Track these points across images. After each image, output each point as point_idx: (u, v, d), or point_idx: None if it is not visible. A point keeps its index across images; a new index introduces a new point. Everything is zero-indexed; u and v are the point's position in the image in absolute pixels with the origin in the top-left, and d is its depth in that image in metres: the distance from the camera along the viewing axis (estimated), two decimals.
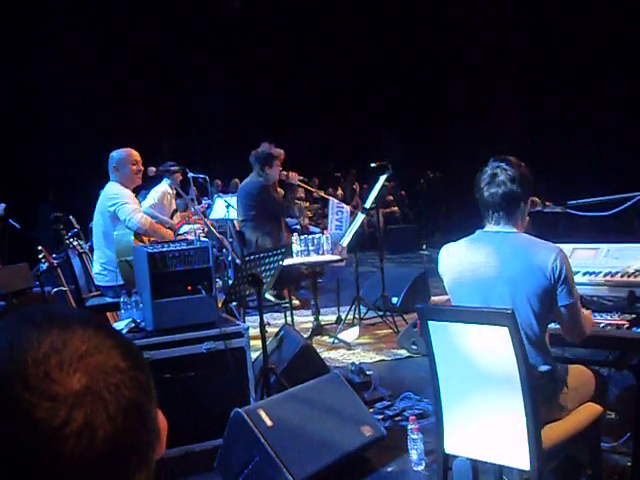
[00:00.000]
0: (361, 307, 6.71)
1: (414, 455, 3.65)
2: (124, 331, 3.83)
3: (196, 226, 6.41)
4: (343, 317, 6.65)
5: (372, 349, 6.01)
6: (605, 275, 3.25)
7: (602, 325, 3.00)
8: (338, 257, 6.11)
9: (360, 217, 6.37)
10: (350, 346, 6.08)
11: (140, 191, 6.63)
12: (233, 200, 6.97)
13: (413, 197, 14.62)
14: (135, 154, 5.11)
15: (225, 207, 7.13)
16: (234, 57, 14.73)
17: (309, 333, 6.17)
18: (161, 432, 0.77)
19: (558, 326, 2.92)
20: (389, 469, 3.70)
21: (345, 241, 6.20)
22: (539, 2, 13.55)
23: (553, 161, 11.86)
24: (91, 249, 5.51)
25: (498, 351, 2.59)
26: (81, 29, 12.76)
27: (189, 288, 3.82)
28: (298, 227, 9.34)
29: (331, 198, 6.97)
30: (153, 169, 5.25)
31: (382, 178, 6.57)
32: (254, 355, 4.28)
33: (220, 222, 7.69)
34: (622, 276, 3.20)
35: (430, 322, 2.77)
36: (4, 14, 11.64)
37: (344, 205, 6.69)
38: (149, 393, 0.75)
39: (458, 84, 14.79)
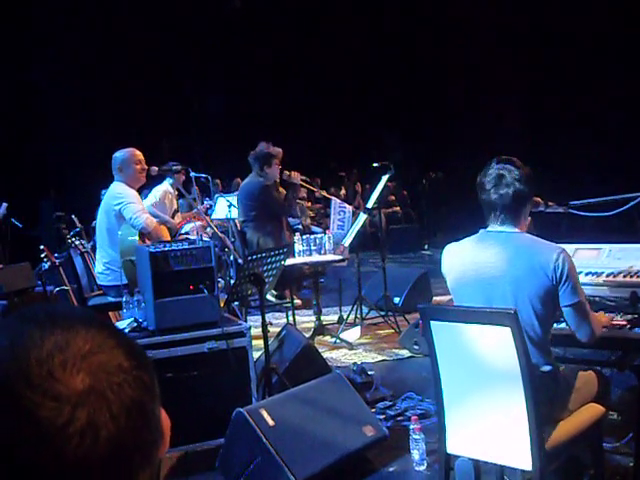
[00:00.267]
0: (363, 307, 6.71)
1: (416, 455, 3.66)
2: (126, 330, 3.83)
3: (198, 223, 6.41)
4: (345, 317, 6.65)
5: (374, 349, 6.01)
6: (607, 275, 3.25)
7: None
8: (340, 257, 6.11)
9: (362, 217, 6.37)
10: (352, 346, 6.08)
11: (142, 191, 6.63)
12: (235, 199, 6.97)
13: (415, 197, 14.62)
14: (138, 154, 5.12)
15: (227, 207, 7.13)
16: (234, 57, 14.73)
17: (311, 333, 6.17)
18: (165, 431, 0.77)
19: (559, 326, 2.93)
20: (391, 469, 3.70)
21: (347, 241, 6.20)
22: (539, 2, 13.56)
23: (553, 161, 11.87)
24: (93, 248, 5.52)
25: (500, 351, 2.59)
26: (81, 29, 12.76)
27: (191, 288, 3.81)
28: (300, 227, 9.35)
29: (333, 198, 6.97)
30: (155, 168, 5.25)
31: (384, 178, 6.57)
32: (256, 355, 4.28)
33: (222, 222, 7.70)
34: (624, 276, 3.21)
35: (432, 322, 2.78)
36: (4, 14, 11.64)
37: (346, 205, 6.69)
38: (153, 392, 0.75)
39: (458, 84, 14.80)
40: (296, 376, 4.20)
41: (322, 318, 6.44)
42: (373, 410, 4.28)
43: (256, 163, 6.47)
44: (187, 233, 6.58)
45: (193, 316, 3.82)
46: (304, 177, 6.46)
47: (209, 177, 6.68)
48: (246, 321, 4.71)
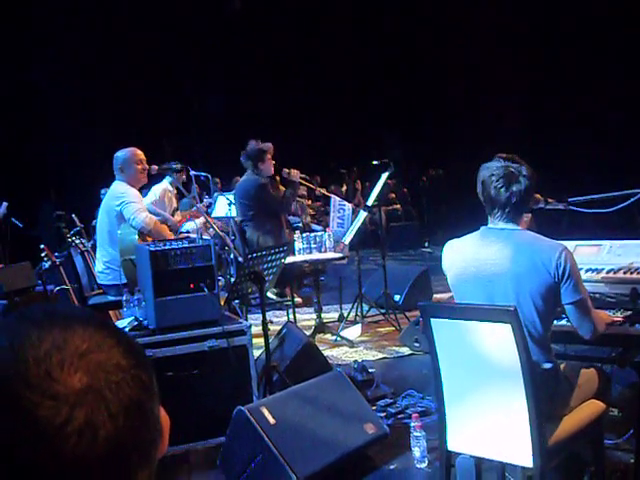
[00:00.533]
0: (363, 305, 6.72)
1: (417, 452, 3.66)
2: (127, 329, 3.83)
3: (199, 221, 6.41)
4: (345, 315, 6.65)
5: (374, 347, 6.01)
6: (608, 272, 3.25)
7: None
8: (340, 255, 6.12)
9: (362, 215, 6.37)
10: (352, 344, 6.08)
11: (141, 190, 6.64)
12: (234, 198, 6.97)
13: (415, 194, 14.62)
14: (139, 153, 5.12)
15: (227, 205, 7.13)
16: (234, 57, 14.73)
17: (311, 331, 6.18)
18: (163, 430, 0.77)
19: (560, 323, 2.93)
20: (392, 466, 3.70)
21: (347, 239, 6.21)
22: (539, 2, 13.56)
23: (553, 161, 11.86)
24: (93, 247, 5.52)
25: (501, 348, 2.59)
26: (81, 29, 12.76)
27: (191, 286, 3.81)
28: (300, 225, 9.36)
29: (333, 196, 6.97)
30: (155, 167, 5.26)
31: (384, 176, 6.57)
32: (257, 353, 4.28)
33: (222, 220, 7.70)
34: (625, 273, 3.20)
35: (432, 319, 2.78)
36: (4, 14, 11.64)
37: (346, 203, 6.69)
38: (151, 391, 0.74)
39: (458, 84, 14.80)
40: (297, 374, 4.20)
41: (323, 316, 6.44)
42: (374, 408, 4.28)
43: (249, 161, 6.48)
44: (188, 232, 6.57)
45: (193, 315, 3.82)
46: (303, 175, 6.47)
47: (209, 176, 6.68)
48: (247, 319, 4.72)
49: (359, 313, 6.69)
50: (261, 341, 4.13)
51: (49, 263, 5.11)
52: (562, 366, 2.86)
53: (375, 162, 6.80)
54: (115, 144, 5.31)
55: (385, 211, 11.63)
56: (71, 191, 10.69)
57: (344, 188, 14.09)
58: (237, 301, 4.43)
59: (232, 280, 5.59)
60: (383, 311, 6.67)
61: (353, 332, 6.39)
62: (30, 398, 0.66)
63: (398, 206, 14.09)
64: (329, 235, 6.10)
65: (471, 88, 14.57)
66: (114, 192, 5.04)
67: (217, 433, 3.66)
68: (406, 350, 5.79)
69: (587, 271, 3.29)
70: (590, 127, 12.39)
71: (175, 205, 6.90)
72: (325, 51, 15.29)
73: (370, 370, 4.91)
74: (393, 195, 14.01)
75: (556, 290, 2.64)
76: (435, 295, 6.93)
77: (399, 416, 4.32)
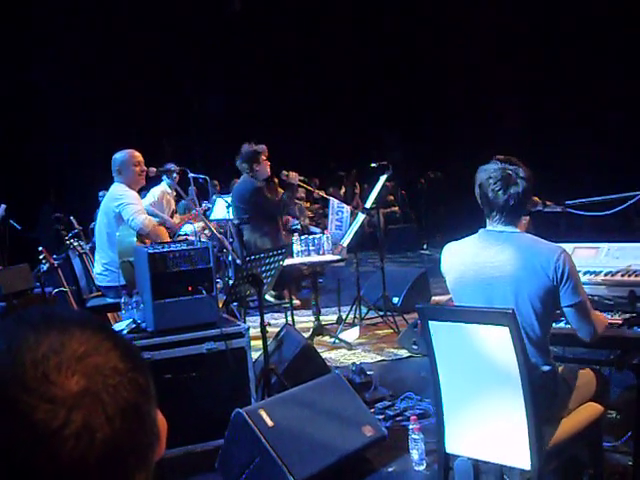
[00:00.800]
0: (362, 307, 6.72)
1: (415, 455, 3.66)
2: (125, 332, 3.83)
3: (197, 225, 6.41)
4: (344, 317, 6.65)
5: (373, 349, 6.01)
6: (606, 274, 3.25)
7: None
8: (338, 257, 6.12)
9: (360, 217, 6.37)
10: (351, 346, 6.08)
11: (140, 191, 6.64)
12: None
13: (414, 197, 14.62)
14: (137, 155, 5.12)
15: (225, 207, 7.12)
16: (234, 57, 14.73)
17: (310, 333, 6.17)
18: (161, 433, 0.77)
19: (558, 325, 2.93)
20: (390, 469, 3.70)
21: (345, 241, 6.20)
22: (539, 2, 13.55)
23: (553, 161, 11.86)
24: (92, 250, 5.52)
25: (499, 351, 2.59)
26: (81, 29, 12.76)
27: (190, 288, 3.81)
28: (298, 227, 9.35)
29: (331, 198, 6.97)
30: (154, 169, 5.26)
31: (382, 178, 6.57)
32: (255, 355, 4.28)
33: (220, 222, 7.69)
34: (623, 275, 3.20)
35: (431, 322, 2.78)
36: (4, 14, 11.64)
37: (344, 205, 6.69)
38: (148, 394, 0.74)
39: (458, 84, 14.79)
40: (295, 376, 4.20)
41: (321, 318, 6.44)
42: (372, 410, 4.28)
43: (245, 163, 6.48)
44: (186, 234, 6.57)
45: (192, 317, 3.82)
46: (302, 177, 6.46)
47: (207, 178, 6.68)
48: (245, 322, 4.72)
49: (357, 315, 6.68)
50: (259, 343, 4.13)
51: (47, 265, 5.11)
52: (560, 369, 2.86)
53: (374, 164, 6.80)
54: (115, 144, 5.31)
55: (383, 213, 11.61)
56: (70, 193, 10.71)
57: (342, 190, 14.09)
58: (235, 303, 4.43)
59: (230, 283, 5.58)
60: (381, 313, 6.66)
61: (351, 334, 6.39)
62: (27, 401, 0.66)
63: (396, 208, 14.07)
64: (327, 237, 6.10)
65: (471, 88, 14.56)
66: (113, 194, 5.04)
67: (215, 436, 3.66)
68: (404, 352, 5.79)
69: (585, 274, 3.28)
70: (590, 127, 12.39)
71: (173, 207, 6.91)
72: (325, 51, 15.28)
73: (368, 372, 4.90)
74: (391, 197, 14.00)
75: (555, 293, 2.64)
76: (433, 297, 6.93)
77: (397, 419, 4.32)
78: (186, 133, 14.52)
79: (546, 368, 2.74)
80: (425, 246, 12.89)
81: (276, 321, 6.97)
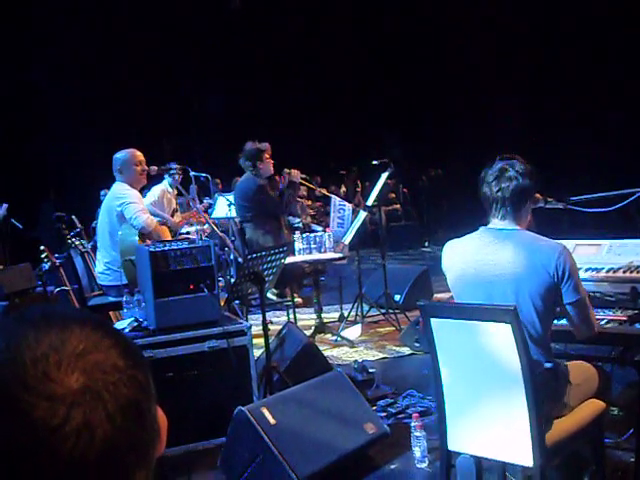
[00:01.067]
0: (364, 305, 6.72)
1: (417, 452, 3.66)
2: (126, 330, 3.83)
3: (199, 226, 6.41)
4: (346, 315, 6.65)
5: (375, 347, 6.02)
6: (607, 271, 3.25)
7: (604, 321, 3.01)
8: (340, 255, 6.12)
9: (362, 215, 6.37)
10: (353, 344, 6.09)
11: (141, 191, 6.65)
12: (234, 198, 6.97)
13: (415, 194, 14.63)
14: (138, 154, 5.12)
15: (227, 206, 7.13)
16: (234, 57, 14.74)
17: (312, 331, 6.18)
18: (161, 430, 0.77)
19: (560, 322, 2.93)
20: (392, 466, 3.70)
21: (347, 239, 6.21)
22: (539, 2, 13.56)
23: (553, 161, 11.87)
24: (93, 248, 5.52)
25: (501, 348, 2.59)
26: (81, 29, 12.76)
27: (191, 287, 3.81)
28: (300, 225, 9.35)
29: (333, 196, 6.98)
30: (155, 168, 5.26)
31: (384, 176, 6.58)
32: (257, 353, 4.28)
33: (222, 220, 7.69)
34: (625, 272, 3.20)
35: (432, 319, 2.77)
36: (4, 14, 11.64)
37: (346, 203, 6.69)
38: (148, 392, 0.74)
39: (458, 84, 14.80)
40: (297, 374, 4.20)
41: (323, 316, 6.45)
42: (374, 408, 4.28)
43: (248, 162, 6.48)
44: (188, 233, 6.57)
45: (193, 315, 3.82)
46: (304, 175, 6.47)
47: (209, 176, 6.68)
48: (247, 320, 4.71)
49: (359, 313, 6.69)
50: (261, 341, 4.13)
51: (49, 264, 5.10)
52: (562, 365, 2.86)
53: (375, 162, 6.81)
54: (115, 144, 5.30)
55: (385, 211, 11.63)
56: (71, 192, 10.70)
57: (343, 189, 14.10)
58: (237, 301, 4.43)
59: (232, 281, 5.58)
60: (383, 311, 6.67)
61: (353, 332, 6.40)
62: (27, 399, 0.66)
63: (398, 206, 14.09)
64: (329, 235, 6.10)
65: (471, 88, 14.57)
66: (115, 193, 5.04)
67: (217, 433, 3.66)
68: (406, 350, 5.79)
69: (587, 270, 3.29)
70: (590, 127, 12.40)
71: (175, 206, 6.91)
72: (325, 51, 15.29)
73: (370, 370, 4.91)
74: (393, 195, 14.02)
75: (556, 290, 2.64)
76: (435, 295, 6.93)
77: (399, 416, 4.32)
78: (186, 133, 14.53)
79: (548, 365, 2.74)
80: (427, 243, 12.91)
81: (278, 319, 6.97)
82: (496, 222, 2.78)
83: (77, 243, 5.38)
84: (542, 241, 2.71)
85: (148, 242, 4.73)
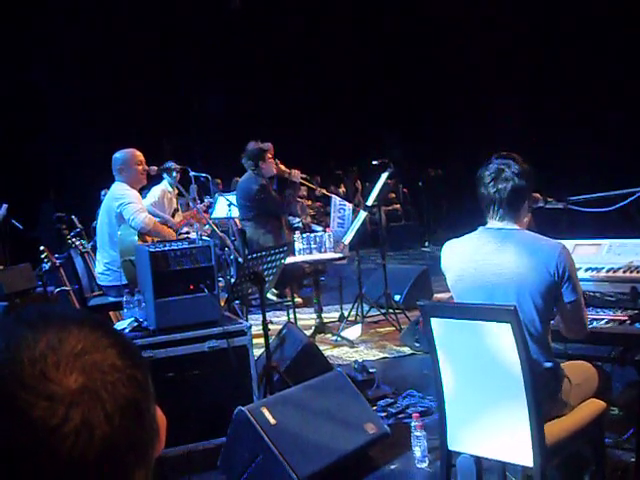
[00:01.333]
0: (364, 305, 6.72)
1: (417, 452, 3.66)
2: (127, 330, 3.83)
3: (200, 227, 6.41)
4: (346, 315, 6.66)
5: (375, 347, 6.02)
6: (607, 271, 3.25)
7: (604, 321, 3.01)
8: (340, 255, 6.12)
9: (362, 215, 6.37)
10: (353, 344, 6.09)
11: (141, 191, 6.65)
12: (234, 199, 6.98)
13: (415, 194, 14.64)
14: (139, 154, 5.12)
15: (227, 206, 7.13)
16: (234, 57, 14.73)
17: (312, 331, 6.19)
18: (160, 430, 0.77)
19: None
20: (393, 466, 3.70)
21: (347, 239, 6.21)
22: (539, 2, 13.56)
23: (553, 161, 11.86)
24: (93, 248, 5.52)
25: (501, 348, 2.59)
26: (81, 29, 12.76)
27: (191, 287, 3.81)
28: (300, 225, 9.35)
29: (333, 196, 6.98)
30: (155, 168, 5.26)
31: (384, 176, 6.58)
32: (257, 353, 4.28)
33: (222, 221, 7.69)
34: (625, 272, 3.20)
35: (433, 319, 2.77)
36: (4, 14, 11.64)
37: (346, 203, 6.69)
38: (147, 391, 0.74)
39: (458, 84, 14.79)
40: (297, 374, 4.20)
41: (323, 316, 6.45)
42: (374, 408, 4.28)
43: (250, 161, 6.49)
44: (188, 233, 6.57)
45: (194, 315, 3.82)
46: (304, 175, 6.47)
47: (209, 176, 6.68)
48: (247, 320, 4.72)
49: (359, 313, 6.69)
50: (261, 341, 4.13)
51: (49, 264, 5.10)
52: (562, 365, 2.86)
53: (375, 162, 6.81)
54: (115, 144, 5.30)
55: (385, 211, 11.64)
56: (71, 192, 10.70)
57: (342, 189, 14.10)
58: (237, 302, 4.43)
59: (232, 281, 5.58)
60: (383, 311, 6.67)
61: (353, 332, 6.40)
62: (25, 399, 0.66)
63: (398, 206, 14.10)
64: (329, 235, 6.11)
65: (471, 88, 14.57)
66: (114, 193, 5.04)
67: (218, 433, 3.66)
68: (407, 350, 5.79)
69: (587, 270, 3.29)
70: (590, 127, 12.39)
71: (175, 206, 6.91)
72: (325, 51, 15.29)
73: (371, 370, 4.91)
74: (393, 195, 14.02)
75: (556, 290, 2.65)
76: (435, 295, 6.93)
77: (400, 416, 4.33)
78: (186, 133, 14.52)
79: (548, 365, 2.74)
80: (427, 243, 12.91)
81: (278, 319, 6.97)
82: (495, 222, 2.78)
83: (77, 243, 5.38)
84: (542, 240, 2.71)
85: (149, 240, 4.74)
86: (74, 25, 12.64)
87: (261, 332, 4.09)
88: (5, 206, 7.39)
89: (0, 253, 7.61)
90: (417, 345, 5.67)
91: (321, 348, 5.11)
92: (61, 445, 0.66)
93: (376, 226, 9.63)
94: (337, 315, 6.86)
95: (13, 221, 7.53)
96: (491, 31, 13.96)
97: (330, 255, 6.08)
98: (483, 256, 2.75)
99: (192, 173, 5.91)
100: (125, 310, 4.13)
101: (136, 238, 4.82)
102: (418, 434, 3.66)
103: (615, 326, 2.94)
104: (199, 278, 3.81)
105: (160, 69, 14.00)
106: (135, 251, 4.38)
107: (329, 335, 6.32)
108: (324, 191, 7.56)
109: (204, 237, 5.61)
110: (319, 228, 8.85)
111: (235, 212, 7.03)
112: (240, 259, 5.04)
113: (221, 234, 5.43)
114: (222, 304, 4.20)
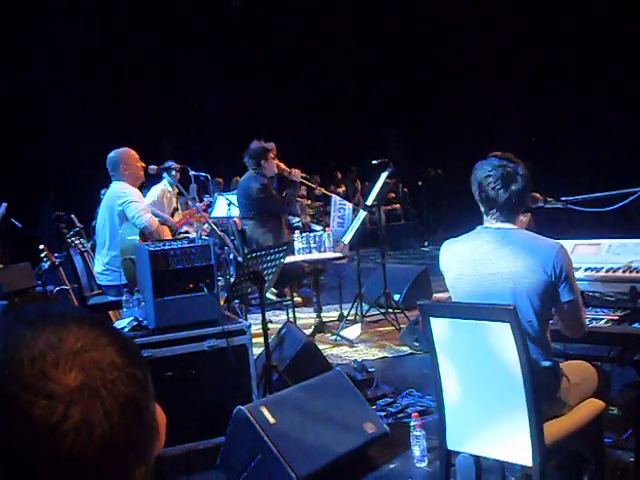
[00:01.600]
0: (363, 304, 6.72)
1: (417, 452, 3.66)
2: (126, 329, 3.83)
3: (199, 226, 6.41)
4: (345, 314, 6.66)
5: (374, 346, 6.02)
6: (607, 271, 3.25)
7: (604, 321, 3.01)
8: (340, 254, 6.12)
9: (362, 214, 6.38)
10: (352, 343, 6.09)
11: (140, 190, 6.65)
12: (234, 198, 6.98)
13: (415, 194, 14.64)
14: (134, 153, 5.13)
15: (226, 205, 7.13)
16: (234, 57, 14.73)
17: (311, 330, 6.18)
18: (160, 428, 0.77)
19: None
20: (392, 466, 3.70)
21: (347, 238, 6.21)
22: (539, 2, 13.56)
23: (553, 161, 11.87)
24: (93, 248, 5.52)
25: (500, 347, 2.59)
26: (81, 29, 12.76)
27: (191, 286, 3.81)
28: (300, 225, 9.35)
29: (333, 195, 6.98)
30: (154, 167, 5.25)
31: (383, 175, 6.58)
32: (256, 352, 4.28)
33: (222, 220, 7.69)
34: (624, 272, 3.20)
35: (432, 319, 2.78)
36: (4, 14, 11.63)
37: (346, 202, 6.70)
38: (146, 389, 0.74)
39: (458, 84, 14.79)
40: (297, 373, 4.21)
41: (322, 315, 6.45)
42: (374, 407, 4.29)
43: (252, 160, 6.49)
44: (187, 232, 6.57)
45: (193, 314, 3.82)
46: (304, 174, 6.48)
47: (209, 176, 6.68)
48: (246, 319, 4.72)
49: (359, 312, 6.70)
50: (261, 341, 4.14)
51: (49, 263, 5.10)
52: (561, 365, 2.86)
53: (375, 162, 6.82)
54: (115, 144, 5.30)
55: (385, 210, 11.64)
56: (71, 191, 10.70)
57: (342, 189, 14.10)
58: (237, 301, 4.43)
59: (232, 280, 5.58)
60: (383, 310, 6.67)
61: (353, 331, 6.40)
62: (25, 398, 0.66)
63: (398, 205, 14.10)
64: (329, 235, 6.11)
65: (471, 88, 14.57)
66: (116, 191, 5.04)
67: (217, 433, 3.66)
68: (406, 349, 5.80)
69: (586, 270, 3.29)
70: (590, 127, 12.39)
71: (175, 205, 6.91)
72: (325, 51, 15.28)
73: (370, 369, 4.91)
74: (393, 195, 14.02)
75: (553, 289, 2.65)
76: (435, 294, 6.92)
77: (399, 415, 4.33)
78: (186, 133, 14.51)
79: (547, 364, 2.74)
80: (426, 243, 12.91)
81: (277, 318, 6.97)
82: (492, 222, 2.78)
83: (76, 242, 5.38)
84: (540, 240, 2.71)
85: (148, 241, 4.74)
86: (74, 25, 12.63)
87: (260, 331, 4.10)
88: (5, 205, 7.39)
89: (0, 252, 7.61)
90: (416, 345, 5.67)
91: (320, 347, 5.11)
92: (61, 443, 0.66)
93: (376, 226, 9.63)
94: (337, 314, 6.86)
95: (13, 220, 7.53)
96: (491, 31, 13.96)
97: (330, 254, 6.08)
98: (481, 256, 2.75)
99: (192, 172, 5.92)
100: (124, 309, 4.13)
101: (137, 237, 4.82)
102: (417, 433, 3.67)
103: (614, 326, 2.94)
104: (199, 277, 3.81)
105: (160, 69, 13.99)
106: (135, 250, 4.38)
107: (328, 334, 6.32)
108: (324, 190, 7.57)
109: (204, 236, 5.61)
110: (319, 227, 8.86)
111: (235, 211, 7.03)
112: (239, 258, 5.04)
113: (220, 233, 5.43)
114: (222, 303, 4.20)
